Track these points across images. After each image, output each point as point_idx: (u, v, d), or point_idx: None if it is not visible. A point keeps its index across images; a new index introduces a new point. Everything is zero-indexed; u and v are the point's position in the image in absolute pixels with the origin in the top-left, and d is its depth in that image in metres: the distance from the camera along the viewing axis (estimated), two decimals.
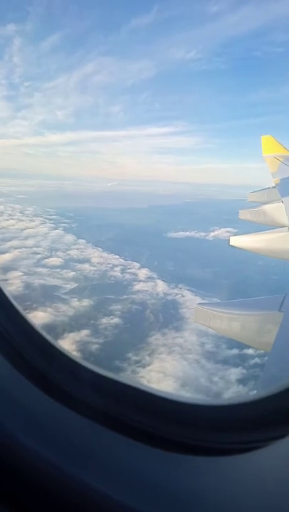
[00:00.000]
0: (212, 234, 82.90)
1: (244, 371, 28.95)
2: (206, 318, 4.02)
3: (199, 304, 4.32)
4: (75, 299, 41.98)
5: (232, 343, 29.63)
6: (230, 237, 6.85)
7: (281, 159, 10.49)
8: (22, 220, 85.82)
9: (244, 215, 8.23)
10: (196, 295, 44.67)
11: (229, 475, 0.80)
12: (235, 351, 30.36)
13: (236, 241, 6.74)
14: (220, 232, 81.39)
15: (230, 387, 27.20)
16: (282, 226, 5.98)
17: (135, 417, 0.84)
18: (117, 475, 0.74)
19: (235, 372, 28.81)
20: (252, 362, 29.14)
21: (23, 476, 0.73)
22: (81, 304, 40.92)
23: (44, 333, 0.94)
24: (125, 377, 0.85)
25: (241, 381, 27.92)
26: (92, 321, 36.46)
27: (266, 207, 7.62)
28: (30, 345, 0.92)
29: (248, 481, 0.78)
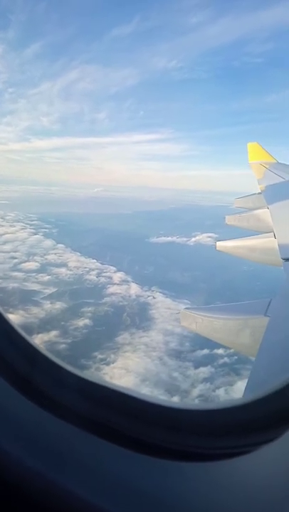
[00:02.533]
0: (193, 239, 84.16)
1: (212, 370, 29.97)
2: (192, 322, 4.09)
3: (186, 308, 4.36)
4: (48, 302, 42.50)
5: (196, 342, 30.72)
6: (217, 242, 6.97)
7: (267, 166, 10.75)
8: (2, 226, 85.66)
9: (230, 220, 8.39)
10: (166, 297, 45.78)
11: (217, 480, 0.78)
12: (205, 351, 31.29)
13: (222, 246, 6.86)
14: (201, 238, 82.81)
15: (190, 382, 28.18)
16: (268, 232, 6.08)
17: (120, 422, 0.82)
18: (102, 481, 0.73)
19: (203, 371, 29.77)
20: (221, 361, 30.27)
21: (6, 483, 0.71)
22: (53, 307, 41.42)
23: (27, 337, 0.91)
24: (112, 383, 0.86)
25: (209, 379, 28.90)
26: (63, 323, 37.07)
27: (252, 213, 7.84)
28: (12, 349, 0.89)
29: (236, 487, 0.77)
